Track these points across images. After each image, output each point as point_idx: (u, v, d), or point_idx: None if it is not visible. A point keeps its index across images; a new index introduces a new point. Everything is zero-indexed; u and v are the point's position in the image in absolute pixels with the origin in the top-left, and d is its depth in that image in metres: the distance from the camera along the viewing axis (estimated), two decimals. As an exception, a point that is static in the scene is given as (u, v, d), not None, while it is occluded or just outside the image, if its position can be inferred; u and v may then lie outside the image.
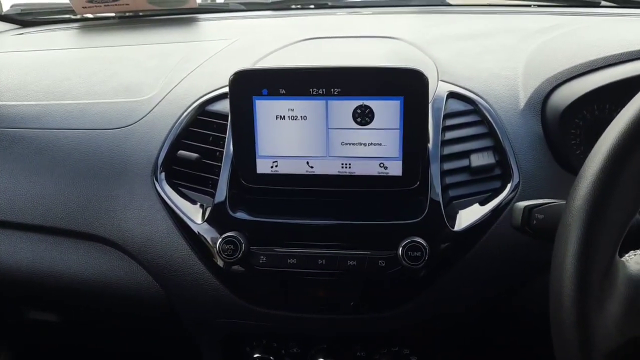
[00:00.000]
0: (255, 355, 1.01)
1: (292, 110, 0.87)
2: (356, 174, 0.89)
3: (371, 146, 0.88)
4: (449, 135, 0.93)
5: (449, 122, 0.94)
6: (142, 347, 1.34)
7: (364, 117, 0.86)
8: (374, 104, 0.86)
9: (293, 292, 0.91)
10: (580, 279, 0.57)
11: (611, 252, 0.58)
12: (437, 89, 0.97)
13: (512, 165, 0.90)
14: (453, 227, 0.87)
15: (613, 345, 0.57)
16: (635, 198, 0.57)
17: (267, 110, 0.87)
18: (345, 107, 0.86)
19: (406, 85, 0.84)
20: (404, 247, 0.84)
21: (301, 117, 0.87)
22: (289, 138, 0.88)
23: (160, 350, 1.32)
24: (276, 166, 0.90)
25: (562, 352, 0.58)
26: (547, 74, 0.96)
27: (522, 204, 0.71)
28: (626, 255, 0.62)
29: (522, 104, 0.95)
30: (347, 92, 0.86)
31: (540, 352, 1.15)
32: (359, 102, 0.86)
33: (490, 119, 0.93)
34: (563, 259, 0.58)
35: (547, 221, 0.69)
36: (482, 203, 0.89)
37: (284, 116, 0.87)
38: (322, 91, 0.86)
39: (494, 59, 1.05)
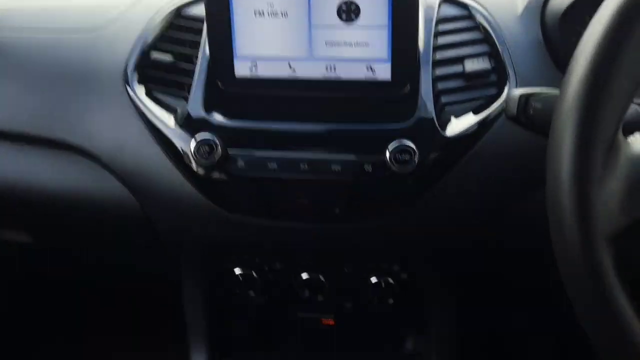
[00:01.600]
0: (237, 272, 0.97)
1: (272, 5, 0.81)
2: (342, 77, 0.83)
3: (358, 47, 0.82)
4: (442, 40, 0.87)
5: (442, 27, 0.88)
6: (120, 280, 1.30)
7: (349, 13, 0.80)
8: None
9: (274, 200, 0.85)
10: (580, 153, 0.51)
11: (614, 128, 0.52)
12: None
13: (509, 71, 0.85)
14: (444, 133, 0.81)
15: (615, 227, 0.52)
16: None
17: (244, 5, 0.81)
18: (329, 2, 0.80)
19: None
20: (392, 151, 0.78)
21: (282, 12, 0.81)
22: (269, 36, 0.82)
23: (141, 282, 1.28)
24: (255, 68, 0.84)
25: (559, 237, 0.53)
26: None
27: (518, 91, 0.66)
28: (631, 135, 0.57)
29: (520, 9, 0.89)
30: (331, -15, 0.79)
31: (533, 281, 1.11)
32: None
33: (486, 24, 0.87)
34: (562, 133, 0.52)
35: (545, 111, 0.64)
36: (477, 111, 0.84)
37: (263, 12, 0.81)
38: None
39: None
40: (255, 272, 0.97)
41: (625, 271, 0.52)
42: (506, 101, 0.68)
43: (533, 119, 0.65)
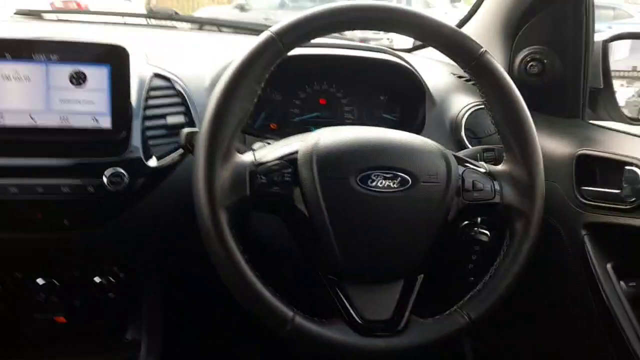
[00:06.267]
0: None
1: (17, 72, 1.10)
2: (73, 126, 1.13)
3: (85, 104, 1.13)
4: (152, 102, 1.22)
5: (152, 93, 1.23)
6: None
7: (78, 79, 1.12)
8: (86, 69, 1.12)
9: (17, 216, 1.11)
10: (208, 158, 0.90)
11: (227, 143, 0.91)
12: (144, 70, 1.25)
13: (197, 123, 1.22)
14: (149, 164, 1.15)
15: (228, 201, 0.90)
16: (241, 110, 0.92)
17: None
18: (62, 71, 1.11)
19: (112, 56, 1.12)
20: (108, 177, 1.10)
21: (24, 77, 1.10)
22: (14, 95, 1.10)
23: None
24: (2, 118, 1.10)
25: (196, 206, 0.90)
26: None
27: (186, 130, 1.04)
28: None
29: (207, 82, 1.29)
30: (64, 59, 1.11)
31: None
32: (74, 67, 1.12)
33: (182, 91, 1.25)
34: (199, 149, 0.91)
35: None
36: (173, 150, 1.20)
37: (9, 76, 1.09)
38: (43, 57, 1.10)
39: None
40: None
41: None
42: (180, 136, 1.05)
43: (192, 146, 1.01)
